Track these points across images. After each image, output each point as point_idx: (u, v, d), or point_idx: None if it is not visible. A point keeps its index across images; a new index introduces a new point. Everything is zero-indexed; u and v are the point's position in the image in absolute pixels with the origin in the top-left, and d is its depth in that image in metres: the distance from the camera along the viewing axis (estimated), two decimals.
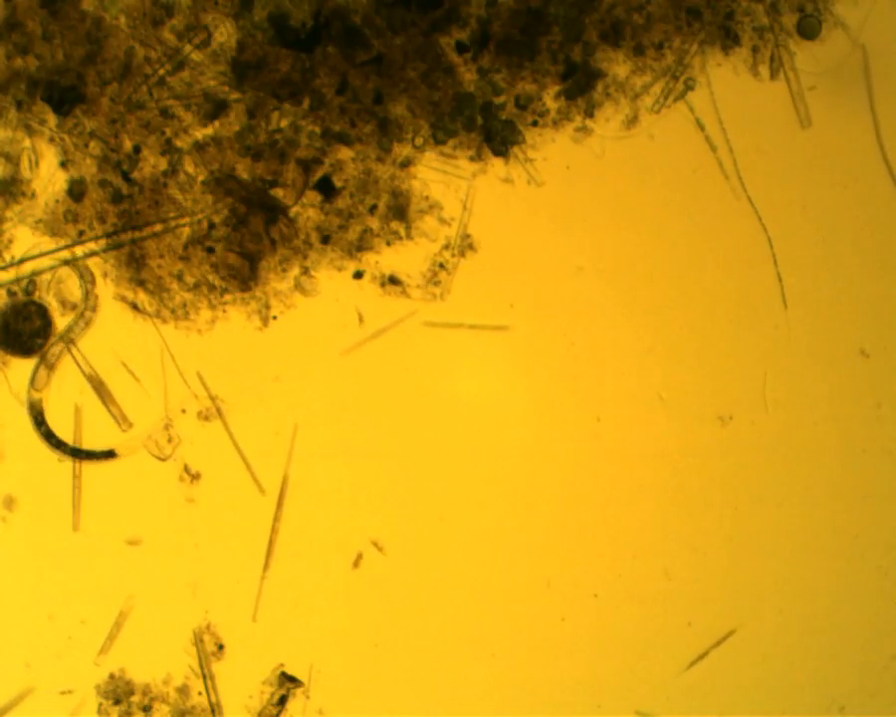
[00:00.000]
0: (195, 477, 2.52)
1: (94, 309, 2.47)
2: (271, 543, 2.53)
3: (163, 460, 2.52)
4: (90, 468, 2.52)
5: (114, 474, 2.53)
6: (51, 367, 2.49)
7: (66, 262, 2.49)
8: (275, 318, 2.52)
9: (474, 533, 2.56)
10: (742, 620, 2.58)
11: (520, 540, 2.56)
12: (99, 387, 2.48)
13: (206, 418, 2.52)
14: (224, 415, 2.52)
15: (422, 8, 2.47)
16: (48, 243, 2.48)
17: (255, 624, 2.55)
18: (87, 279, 2.46)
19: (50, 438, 2.50)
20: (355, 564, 2.53)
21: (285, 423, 2.54)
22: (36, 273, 2.49)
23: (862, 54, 2.54)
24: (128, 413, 2.52)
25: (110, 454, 2.50)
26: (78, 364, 2.49)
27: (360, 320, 2.52)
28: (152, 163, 2.48)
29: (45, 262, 2.48)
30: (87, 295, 2.47)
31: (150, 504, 2.54)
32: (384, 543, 2.56)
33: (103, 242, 2.49)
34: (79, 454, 2.50)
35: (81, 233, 2.49)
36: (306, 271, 2.51)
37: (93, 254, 2.49)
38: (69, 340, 2.45)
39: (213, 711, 2.54)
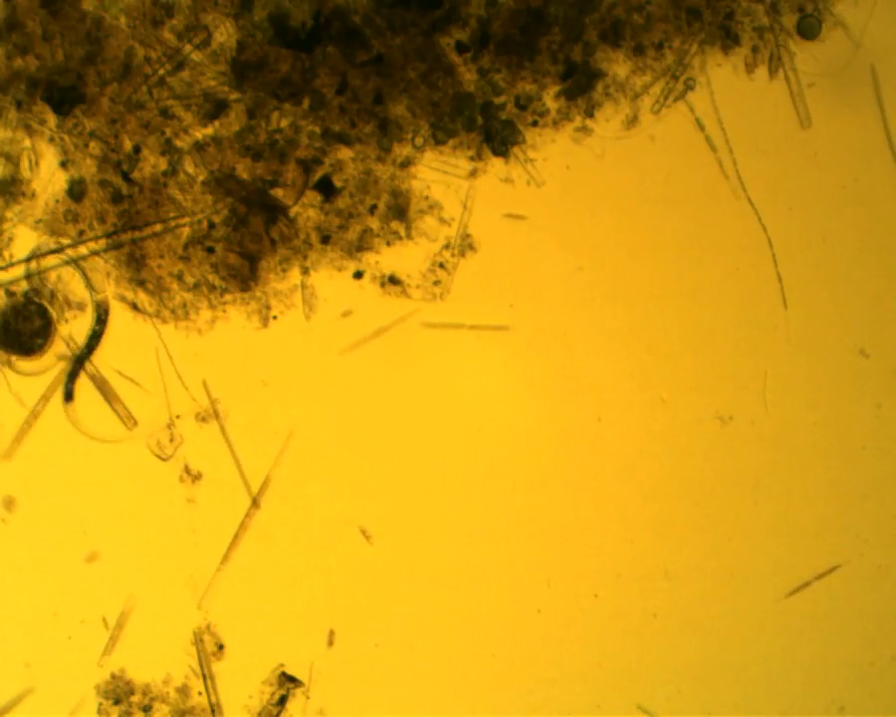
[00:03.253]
0: (196, 477, 2.52)
1: (105, 316, 2.47)
2: (236, 538, 2.53)
3: (165, 460, 2.52)
4: (89, 470, 2.52)
5: (115, 474, 2.53)
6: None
7: (66, 262, 2.49)
8: (275, 318, 2.52)
9: (475, 533, 2.56)
10: (743, 620, 2.59)
11: (520, 540, 2.57)
12: (102, 387, 2.48)
13: (203, 420, 2.52)
14: (221, 418, 2.52)
15: (422, 8, 2.47)
16: (48, 243, 2.48)
17: (255, 625, 2.55)
18: (91, 286, 2.47)
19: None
20: (330, 642, 2.54)
21: (285, 423, 2.54)
22: (35, 273, 2.49)
23: (867, 55, 2.54)
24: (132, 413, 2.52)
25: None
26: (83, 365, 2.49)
27: (345, 314, 2.52)
28: (152, 163, 2.48)
29: (45, 262, 2.48)
30: (96, 307, 2.48)
31: (151, 504, 2.54)
32: (384, 542, 2.56)
33: (103, 242, 2.49)
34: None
35: (81, 233, 2.49)
36: (306, 271, 2.51)
37: (93, 254, 2.49)
38: (83, 353, 2.45)
39: (213, 711, 2.54)
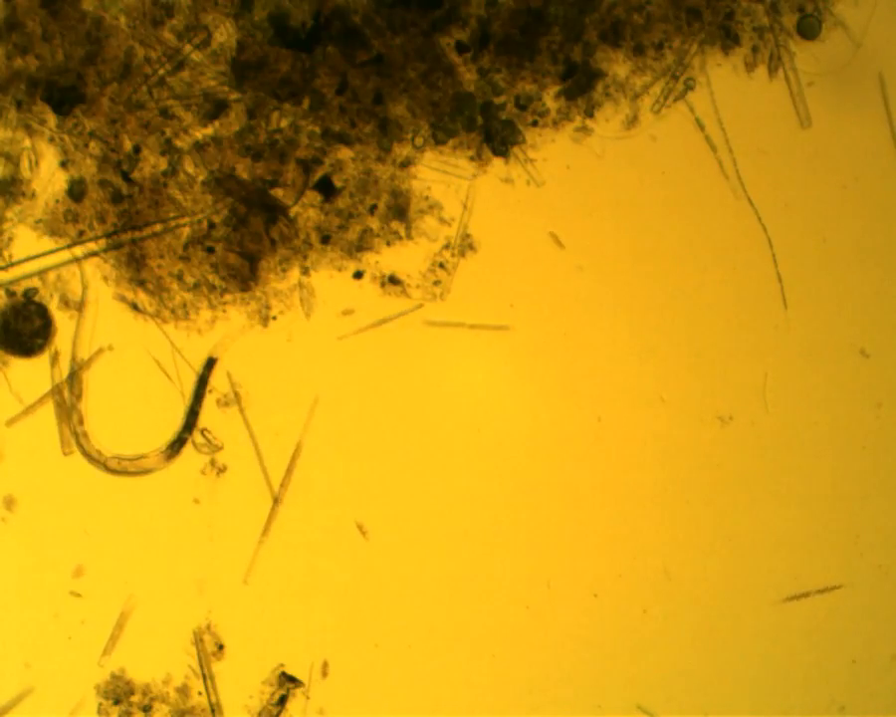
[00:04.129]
0: (221, 470, 2.52)
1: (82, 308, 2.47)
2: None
3: (220, 448, 2.51)
4: (89, 469, 2.52)
5: (115, 474, 2.53)
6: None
7: (66, 262, 2.49)
8: (275, 318, 2.52)
9: (475, 533, 2.56)
10: (743, 620, 2.58)
11: (520, 540, 2.57)
12: (60, 405, 2.47)
13: (226, 405, 2.51)
14: (244, 410, 2.52)
15: (422, 8, 2.47)
16: (48, 243, 2.48)
17: (255, 624, 2.55)
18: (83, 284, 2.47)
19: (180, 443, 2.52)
20: (323, 673, 2.54)
21: (285, 423, 2.54)
22: (35, 273, 2.49)
23: (867, 55, 2.54)
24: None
25: (212, 359, 2.49)
26: (52, 378, 2.49)
27: (345, 313, 2.52)
28: (152, 163, 2.48)
29: (45, 262, 2.48)
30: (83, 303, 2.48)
31: (151, 505, 2.54)
32: (382, 541, 2.56)
33: (103, 242, 2.49)
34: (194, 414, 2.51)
35: (81, 233, 2.49)
36: (306, 271, 2.51)
37: (93, 254, 2.49)
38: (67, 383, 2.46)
39: (213, 711, 2.54)
